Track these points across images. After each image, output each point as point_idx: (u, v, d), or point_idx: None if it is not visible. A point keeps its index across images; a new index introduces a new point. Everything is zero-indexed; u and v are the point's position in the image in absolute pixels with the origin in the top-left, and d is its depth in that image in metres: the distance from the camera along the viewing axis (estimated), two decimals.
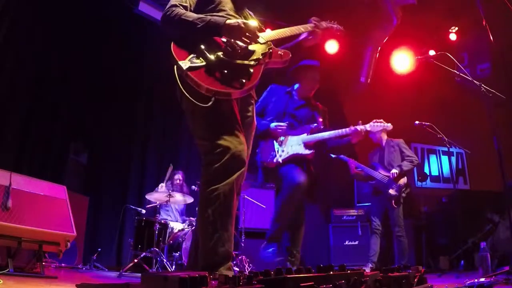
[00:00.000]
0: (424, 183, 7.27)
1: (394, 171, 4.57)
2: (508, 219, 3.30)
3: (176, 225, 4.99)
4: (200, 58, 1.98)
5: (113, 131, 6.18)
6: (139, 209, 5.09)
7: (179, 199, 4.96)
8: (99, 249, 5.17)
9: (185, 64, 1.94)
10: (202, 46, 2.01)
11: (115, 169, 6.21)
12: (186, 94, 1.92)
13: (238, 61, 2.03)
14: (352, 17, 6.13)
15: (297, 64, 3.71)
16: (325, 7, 6.11)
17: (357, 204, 6.05)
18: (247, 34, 2.06)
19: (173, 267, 4.37)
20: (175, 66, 1.96)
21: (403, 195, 4.60)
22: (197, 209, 2.02)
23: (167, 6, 2.11)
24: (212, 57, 1.98)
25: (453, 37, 6.89)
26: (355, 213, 5.67)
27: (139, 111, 6.61)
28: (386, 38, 5.97)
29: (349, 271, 1.34)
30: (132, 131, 6.48)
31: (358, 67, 6.15)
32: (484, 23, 3.26)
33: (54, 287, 2.38)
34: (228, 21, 2.05)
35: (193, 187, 5.00)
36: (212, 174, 1.92)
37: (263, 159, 3.55)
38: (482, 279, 2.63)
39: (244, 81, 1.99)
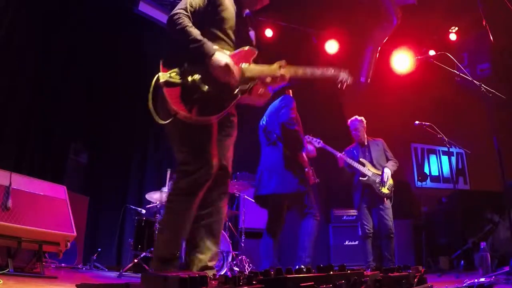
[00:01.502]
0: (424, 183, 7.27)
1: (387, 170, 4.55)
2: (508, 219, 3.30)
3: None
4: (179, 76, 2.05)
5: (113, 131, 6.17)
6: (139, 209, 5.09)
7: None
8: (99, 249, 5.17)
9: (163, 77, 2.03)
10: (186, 65, 2.07)
11: (115, 169, 6.21)
12: (152, 107, 2.02)
13: (214, 92, 2.07)
14: (352, 17, 6.14)
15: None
16: (325, 7, 6.13)
17: (359, 202, 6.04)
18: (226, 76, 2.08)
19: None
20: (157, 76, 2.05)
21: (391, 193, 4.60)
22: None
23: (177, 8, 2.15)
24: (189, 79, 2.04)
25: (453, 37, 6.89)
26: (355, 213, 5.67)
27: (139, 111, 6.60)
28: (386, 38, 5.97)
29: (349, 271, 1.34)
30: (132, 131, 6.47)
31: (358, 67, 6.15)
32: (484, 23, 3.27)
33: (54, 287, 2.38)
34: (215, 55, 2.07)
35: None
36: (179, 183, 2.09)
37: None
38: (482, 279, 2.63)
39: (211, 112, 2.06)
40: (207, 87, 2.06)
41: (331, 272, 1.28)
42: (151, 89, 2.02)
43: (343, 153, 4.73)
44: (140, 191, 6.17)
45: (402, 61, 5.79)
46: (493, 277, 2.74)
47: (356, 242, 5.52)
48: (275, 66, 2.31)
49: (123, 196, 6.14)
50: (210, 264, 2.12)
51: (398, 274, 1.47)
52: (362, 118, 4.90)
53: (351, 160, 4.63)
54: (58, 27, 5.45)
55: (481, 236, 5.11)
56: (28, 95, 5.10)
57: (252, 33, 2.46)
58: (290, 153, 3.46)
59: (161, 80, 2.02)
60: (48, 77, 5.39)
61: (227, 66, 2.07)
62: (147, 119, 6.85)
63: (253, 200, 3.83)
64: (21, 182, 3.01)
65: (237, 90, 2.17)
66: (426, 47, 6.39)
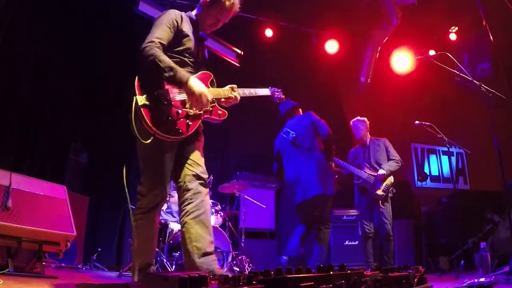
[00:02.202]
0: (424, 183, 7.27)
1: (381, 171, 4.53)
2: (508, 219, 3.30)
3: (176, 225, 4.98)
4: (155, 99, 2.24)
5: (113, 131, 6.17)
6: None
7: None
8: (99, 249, 5.17)
9: (141, 100, 2.21)
10: (158, 91, 2.26)
11: (115, 169, 6.18)
12: (135, 126, 2.21)
13: (183, 113, 2.32)
14: (352, 17, 6.14)
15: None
16: (325, 7, 6.13)
17: (357, 204, 6.04)
18: (198, 102, 2.27)
19: (173, 267, 4.37)
20: (134, 98, 2.22)
21: (390, 194, 4.57)
22: None
23: (146, 41, 2.33)
24: (165, 102, 2.26)
25: (453, 37, 6.89)
26: (355, 213, 5.67)
27: None
28: (386, 38, 5.97)
29: (349, 271, 1.34)
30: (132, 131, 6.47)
31: (358, 67, 6.15)
32: (484, 23, 3.27)
33: (54, 287, 2.38)
34: (190, 82, 2.24)
35: None
36: (138, 203, 2.56)
37: None
38: (482, 279, 2.63)
39: (181, 131, 2.30)
40: (178, 110, 2.30)
41: (331, 272, 1.28)
42: (133, 110, 2.20)
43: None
44: None
45: (402, 61, 5.79)
46: (493, 277, 2.74)
47: (356, 242, 5.52)
48: (228, 88, 2.60)
49: (123, 196, 6.13)
50: (208, 250, 2.28)
51: (398, 274, 1.47)
52: (365, 118, 4.90)
53: (343, 162, 4.63)
54: (58, 27, 5.45)
55: (481, 236, 5.11)
56: (28, 95, 5.10)
57: (205, 52, 2.72)
58: (326, 161, 3.93)
59: (140, 103, 2.20)
60: (48, 77, 5.39)
61: (203, 94, 2.25)
62: None
63: (297, 205, 4.09)
64: (21, 182, 3.01)
65: (202, 111, 2.41)
66: (426, 47, 6.38)
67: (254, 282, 1.09)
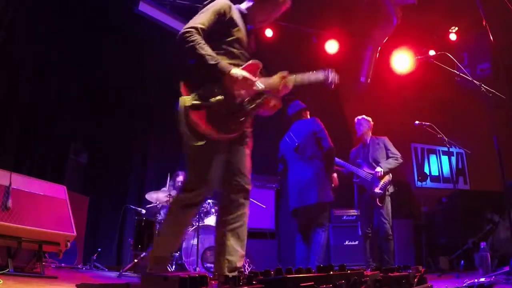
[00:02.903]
0: (424, 183, 7.27)
1: (378, 169, 4.54)
2: (508, 219, 3.30)
3: None
4: (202, 98, 2.11)
5: (113, 131, 6.17)
6: (139, 209, 5.09)
7: None
8: (99, 249, 5.17)
9: (188, 101, 2.10)
10: (206, 86, 2.13)
11: (115, 169, 6.21)
12: (185, 128, 2.12)
13: (235, 109, 2.19)
14: (352, 17, 6.14)
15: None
16: (325, 7, 6.13)
17: (357, 203, 6.05)
18: (246, 86, 2.18)
19: (173, 267, 4.37)
20: (180, 99, 2.12)
21: (388, 193, 4.57)
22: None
23: (187, 26, 2.17)
24: (213, 100, 2.12)
25: (453, 37, 6.89)
26: (355, 213, 5.67)
27: (139, 111, 6.61)
28: (386, 38, 5.97)
29: (349, 271, 1.34)
30: (132, 131, 6.48)
31: (358, 67, 6.15)
32: (484, 23, 3.26)
33: (54, 287, 2.38)
34: (232, 71, 2.13)
35: None
36: (178, 197, 2.32)
37: None
38: (482, 279, 2.63)
39: (235, 129, 2.19)
40: (231, 104, 2.16)
41: (331, 272, 1.28)
42: (183, 113, 2.10)
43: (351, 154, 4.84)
44: (140, 191, 6.17)
45: (402, 61, 5.78)
46: (493, 277, 2.74)
47: (356, 242, 5.51)
48: (278, 76, 2.38)
49: (123, 196, 6.14)
50: (238, 265, 2.20)
51: (398, 274, 1.47)
52: (370, 118, 4.91)
53: (342, 161, 4.65)
54: (58, 27, 5.45)
55: (481, 236, 5.10)
56: (28, 95, 5.10)
57: (253, 45, 2.53)
58: (325, 170, 4.03)
59: (187, 104, 2.09)
60: (48, 77, 5.39)
61: (245, 78, 2.14)
62: (147, 119, 6.88)
63: (293, 210, 4.17)
64: (21, 182, 3.01)
65: (254, 104, 2.27)
66: (426, 47, 6.38)
67: (254, 282, 1.09)
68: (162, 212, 5.31)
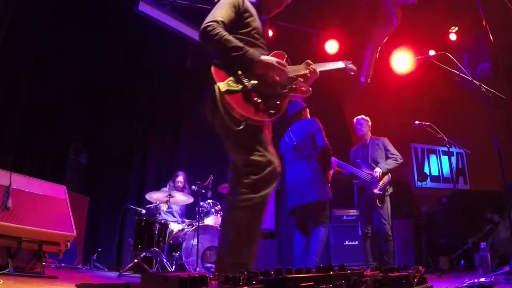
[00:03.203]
0: (424, 183, 7.27)
1: (377, 170, 4.54)
2: (508, 219, 3.30)
3: (176, 225, 4.99)
4: (237, 83, 2.10)
5: (113, 131, 6.18)
6: (139, 209, 5.09)
7: (180, 199, 4.96)
8: (99, 249, 5.17)
9: (223, 86, 2.07)
10: (240, 72, 2.13)
11: (115, 169, 6.21)
12: (223, 114, 2.06)
13: (270, 93, 2.18)
14: (352, 17, 6.13)
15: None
16: (325, 7, 6.13)
17: (357, 204, 6.05)
18: (278, 71, 2.18)
19: (173, 267, 4.37)
20: (215, 86, 2.08)
21: (387, 193, 4.57)
22: (226, 212, 2.22)
23: (208, 20, 2.17)
24: (248, 84, 2.11)
25: (453, 37, 6.89)
26: (355, 213, 5.67)
27: (139, 111, 6.62)
28: (386, 38, 5.97)
29: (349, 271, 1.34)
30: (132, 131, 6.48)
31: (358, 67, 6.14)
32: (484, 23, 3.26)
33: (54, 287, 2.38)
34: (262, 58, 2.15)
35: (193, 187, 5.00)
36: (250, 184, 2.07)
37: None
38: (482, 279, 2.63)
39: (273, 112, 2.16)
40: (265, 89, 2.15)
41: (331, 272, 1.28)
42: (219, 98, 2.06)
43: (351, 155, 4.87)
44: (140, 191, 6.17)
45: (402, 61, 5.78)
46: (493, 277, 2.74)
47: (356, 242, 5.52)
48: (304, 65, 2.45)
49: (123, 196, 6.14)
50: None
51: (398, 274, 1.47)
52: (368, 118, 4.91)
53: (342, 162, 4.66)
54: (58, 27, 5.45)
55: (481, 236, 5.10)
56: (28, 95, 5.10)
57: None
58: (322, 169, 4.05)
59: (222, 89, 2.06)
60: (48, 77, 5.39)
61: (278, 63, 2.17)
62: (147, 119, 6.88)
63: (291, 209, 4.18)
64: (21, 182, 3.01)
65: (287, 89, 2.28)
66: (426, 47, 6.36)
67: (254, 282, 1.09)
68: (162, 212, 5.33)
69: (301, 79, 2.40)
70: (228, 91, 2.06)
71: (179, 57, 6.70)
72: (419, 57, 4.03)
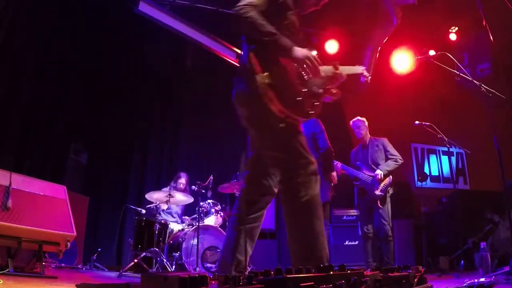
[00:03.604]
0: (424, 183, 7.27)
1: (378, 172, 4.54)
2: (508, 219, 3.30)
3: (176, 225, 4.99)
4: (278, 77, 2.01)
5: (113, 131, 6.18)
6: (139, 209, 5.09)
7: (180, 199, 4.95)
8: (99, 249, 5.17)
9: (265, 78, 1.97)
10: (278, 68, 2.04)
11: (115, 169, 6.21)
12: (262, 107, 1.95)
13: (308, 92, 2.12)
14: (352, 17, 6.13)
15: None
16: (325, 7, 6.12)
17: (357, 205, 6.05)
18: (312, 66, 2.11)
19: (173, 267, 4.37)
20: (256, 77, 1.97)
21: (388, 194, 4.57)
22: (286, 218, 2.09)
23: (241, 4, 2.09)
24: (290, 79, 2.05)
25: (453, 37, 6.89)
26: (355, 213, 5.67)
27: (139, 111, 6.62)
28: (386, 38, 5.97)
29: (349, 271, 1.34)
30: (132, 131, 6.48)
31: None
32: (484, 23, 3.26)
33: (54, 287, 2.38)
34: (295, 48, 2.07)
35: (193, 187, 5.00)
36: (298, 188, 2.01)
37: None
38: (482, 279, 2.63)
39: (311, 112, 2.11)
40: (304, 87, 2.09)
41: (331, 272, 1.28)
42: (261, 91, 1.96)
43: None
44: (140, 191, 6.17)
45: (402, 61, 5.78)
46: (493, 277, 2.73)
47: (356, 242, 5.52)
48: (333, 67, 2.36)
49: (123, 196, 6.14)
50: (245, 265, 2.15)
51: (398, 274, 1.47)
52: (364, 119, 4.91)
53: (342, 165, 4.67)
54: (58, 27, 5.45)
55: (481, 236, 5.10)
56: (28, 95, 5.10)
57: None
58: (323, 170, 4.04)
59: (265, 81, 1.97)
60: (48, 77, 5.39)
61: (314, 57, 2.10)
62: (147, 119, 6.87)
63: None
64: (21, 182, 3.01)
65: (323, 89, 2.23)
66: (426, 47, 6.36)
67: (254, 282, 1.09)
68: (162, 212, 5.32)
69: (331, 81, 2.33)
70: (270, 84, 1.97)
71: (179, 57, 6.69)
72: (419, 57, 4.03)
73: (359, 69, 2.62)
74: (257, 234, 2.22)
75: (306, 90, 2.10)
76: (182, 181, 5.54)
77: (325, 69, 2.31)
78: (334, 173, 4.24)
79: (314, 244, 1.97)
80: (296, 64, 2.10)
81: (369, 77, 2.61)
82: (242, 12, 2.04)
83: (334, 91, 2.35)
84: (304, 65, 2.09)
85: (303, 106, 2.07)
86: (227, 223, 5.10)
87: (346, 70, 2.45)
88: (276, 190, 2.24)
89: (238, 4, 2.10)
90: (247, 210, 2.18)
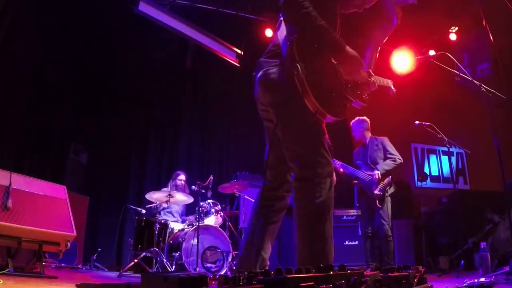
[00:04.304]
0: (424, 183, 7.27)
1: (376, 172, 4.55)
2: (508, 219, 3.30)
3: (176, 225, 4.99)
4: (317, 71, 1.94)
5: (113, 131, 6.18)
6: (139, 209, 5.10)
7: (181, 199, 4.96)
8: (99, 249, 5.17)
9: (305, 69, 1.88)
10: (317, 63, 1.97)
11: (115, 169, 6.21)
12: (297, 99, 1.88)
13: (342, 93, 2.05)
14: (352, 17, 6.13)
15: None
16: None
17: (357, 204, 6.05)
18: (354, 69, 2.08)
19: (173, 267, 4.37)
20: (297, 65, 1.86)
21: (387, 193, 4.57)
22: (297, 220, 2.03)
23: None
24: (327, 76, 1.97)
25: (453, 37, 6.89)
26: (355, 213, 5.67)
27: (139, 111, 6.62)
28: (386, 38, 5.96)
29: (349, 271, 1.34)
30: (132, 131, 6.48)
31: None
32: (484, 23, 3.26)
33: (54, 287, 2.38)
34: (348, 48, 2.05)
35: (193, 187, 5.00)
36: (314, 188, 1.94)
37: None
38: (482, 279, 2.63)
39: (340, 112, 2.03)
40: (338, 87, 2.03)
41: (331, 272, 1.28)
42: (298, 81, 1.85)
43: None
44: (140, 191, 6.18)
45: (402, 61, 5.78)
46: (493, 277, 2.74)
47: (356, 242, 5.51)
48: (367, 73, 2.33)
49: (123, 196, 6.14)
50: (267, 263, 2.13)
51: (398, 274, 1.47)
52: (364, 118, 4.90)
53: (341, 163, 4.67)
54: (58, 27, 5.45)
55: (481, 236, 5.10)
56: (28, 95, 5.11)
57: None
58: None
59: (305, 72, 1.86)
60: (48, 77, 5.39)
61: (360, 58, 2.09)
62: (147, 119, 6.88)
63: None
64: (21, 182, 3.01)
65: (355, 93, 2.18)
66: (426, 47, 6.37)
67: (254, 282, 1.09)
68: (162, 212, 5.33)
69: (364, 88, 2.28)
70: (308, 77, 1.86)
71: (179, 57, 6.70)
72: (419, 57, 4.03)
73: (388, 82, 2.64)
74: (276, 232, 2.20)
75: (340, 90, 2.04)
76: (182, 177, 5.55)
77: (361, 75, 2.28)
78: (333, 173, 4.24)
79: (323, 249, 1.91)
80: (339, 63, 2.03)
81: (395, 91, 2.59)
82: (300, 1, 1.93)
83: (365, 97, 2.29)
84: (350, 67, 2.04)
85: (336, 105, 2.00)
86: (227, 223, 5.12)
87: (378, 80, 2.43)
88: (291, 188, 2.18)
89: None
90: (271, 208, 2.12)
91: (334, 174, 4.00)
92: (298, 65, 1.86)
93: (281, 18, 2.09)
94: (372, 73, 2.33)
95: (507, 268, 2.88)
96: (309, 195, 1.94)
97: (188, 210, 5.67)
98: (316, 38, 1.98)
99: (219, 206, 5.04)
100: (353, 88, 2.15)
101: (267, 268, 1.76)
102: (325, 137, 2.05)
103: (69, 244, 3.14)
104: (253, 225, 2.13)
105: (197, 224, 4.40)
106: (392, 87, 2.69)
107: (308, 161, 1.97)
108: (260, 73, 2.09)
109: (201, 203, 4.81)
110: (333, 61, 2.04)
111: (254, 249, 2.08)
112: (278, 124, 2.02)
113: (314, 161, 1.96)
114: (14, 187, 2.91)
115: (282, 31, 2.04)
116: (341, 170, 4.67)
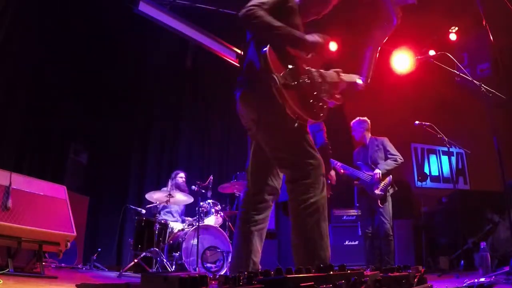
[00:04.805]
0: (424, 183, 7.27)
1: (377, 171, 4.54)
2: (508, 219, 3.30)
3: (176, 225, 4.99)
4: (293, 78, 2.01)
5: (113, 131, 6.18)
6: (139, 209, 5.10)
7: (181, 199, 4.95)
8: (99, 249, 5.17)
9: (281, 79, 1.95)
10: (292, 67, 2.04)
11: (115, 169, 6.21)
12: (277, 109, 1.95)
13: (318, 95, 2.14)
14: (352, 17, 6.13)
15: None
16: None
17: (357, 204, 6.06)
18: (323, 50, 2.16)
19: (173, 267, 4.37)
20: (273, 76, 1.94)
21: (388, 193, 4.57)
22: (292, 220, 2.07)
23: (248, 5, 2.09)
24: (302, 82, 2.05)
25: (453, 37, 6.89)
26: (355, 213, 5.68)
27: (139, 111, 6.62)
28: (386, 38, 5.96)
29: (349, 271, 1.34)
30: (132, 131, 6.48)
31: (358, 67, 6.14)
32: (484, 23, 3.26)
33: (54, 287, 2.38)
34: (308, 36, 2.10)
35: (193, 187, 5.00)
36: (307, 189, 2.00)
37: None
38: (482, 279, 2.63)
39: (321, 114, 2.13)
40: (314, 90, 2.11)
41: (331, 272, 1.28)
42: (276, 92, 1.94)
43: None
44: (140, 191, 6.17)
45: (402, 61, 5.78)
46: (493, 277, 2.74)
47: (356, 242, 5.52)
48: (335, 73, 2.40)
49: (123, 196, 6.14)
50: (257, 267, 2.16)
51: (398, 274, 1.47)
52: (365, 118, 4.90)
53: (342, 164, 4.67)
54: (58, 27, 5.45)
55: (481, 236, 5.10)
56: (28, 95, 5.10)
57: None
58: None
59: (281, 82, 1.94)
60: (48, 77, 5.39)
61: (326, 40, 2.16)
62: (147, 119, 6.88)
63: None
64: (21, 182, 3.01)
65: (329, 94, 2.25)
66: (426, 47, 6.37)
67: (254, 282, 1.09)
68: (162, 212, 5.33)
69: (336, 87, 2.36)
70: (286, 85, 1.95)
71: (179, 57, 6.70)
72: (419, 57, 4.03)
73: (356, 77, 2.68)
74: (265, 234, 2.23)
75: (316, 93, 2.12)
76: (182, 175, 5.56)
77: (331, 75, 2.34)
78: (333, 172, 4.22)
79: (318, 245, 1.96)
80: (310, 52, 2.12)
81: (366, 83, 2.62)
82: (251, 13, 2.04)
83: (337, 96, 2.38)
84: (317, 52, 2.13)
85: (315, 109, 2.09)
86: (227, 223, 5.12)
87: (346, 77, 2.50)
88: (278, 191, 2.25)
89: (246, 5, 2.09)
90: (255, 211, 2.18)
91: (333, 173, 3.97)
92: (274, 76, 1.94)
93: (248, 37, 2.21)
94: (340, 71, 2.42)
95: (507, 268, 2.88)
96: (303, 196, 2.00)
97: (188, 210, 5.67)
98: (278, 41, 2.06)
99: (219, 206, 5.04)
100: (327, 89, 2.23)
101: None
102: (309, 138, 2.11)
103: (69, 244, 3.14)
104: (240, 231, 2.19)
105: (197, 224, 4.40)
106: (359, 81, 2.71)
107: (300, 164, 2.04)
108: (240, 92, 2.19)
109: (201, 203, 4.80)
110: (305, 66, 2.13)
111: (244, 255, 2.12)
112: (263, 137, 2.13)
113: (306, 163, 2.03)
114: (14, 187, 2.91)
115: (252, 48, 2.16)
116: (342, 171, 4.67)
